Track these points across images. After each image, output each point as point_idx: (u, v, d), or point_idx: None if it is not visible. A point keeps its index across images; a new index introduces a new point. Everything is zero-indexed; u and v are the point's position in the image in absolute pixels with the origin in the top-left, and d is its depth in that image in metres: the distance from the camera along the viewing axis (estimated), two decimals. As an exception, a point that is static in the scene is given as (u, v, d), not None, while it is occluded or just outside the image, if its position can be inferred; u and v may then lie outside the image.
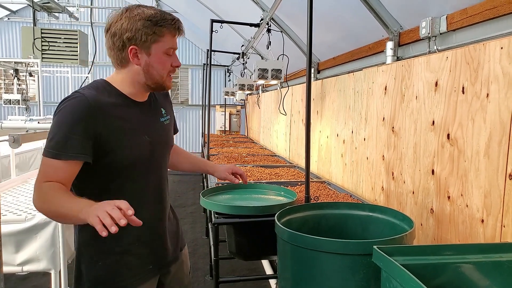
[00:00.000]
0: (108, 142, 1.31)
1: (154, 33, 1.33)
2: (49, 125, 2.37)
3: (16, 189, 3.20)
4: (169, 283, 1.58)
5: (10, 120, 3.02)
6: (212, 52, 4.46)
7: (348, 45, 3.37)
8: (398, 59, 2.61)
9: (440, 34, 2.15)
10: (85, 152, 1.28)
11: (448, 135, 1.89)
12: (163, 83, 1.42)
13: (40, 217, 2.31)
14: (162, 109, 1.54)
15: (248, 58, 5.34)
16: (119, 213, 1.05)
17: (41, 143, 5.66)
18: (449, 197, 1.89)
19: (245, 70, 5.51)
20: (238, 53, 5.36)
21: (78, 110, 1.28)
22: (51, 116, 4.03)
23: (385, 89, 2.57)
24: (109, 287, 1.38)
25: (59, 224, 2.30)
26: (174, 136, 1.69)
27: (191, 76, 10.75)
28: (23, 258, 2.30)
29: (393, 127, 2.45)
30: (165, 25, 1.34)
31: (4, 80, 10.40)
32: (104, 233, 1.03)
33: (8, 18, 10.26)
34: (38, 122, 2.47)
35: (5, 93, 7.82)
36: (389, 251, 1.22)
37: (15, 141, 2.20)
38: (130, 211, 1.07)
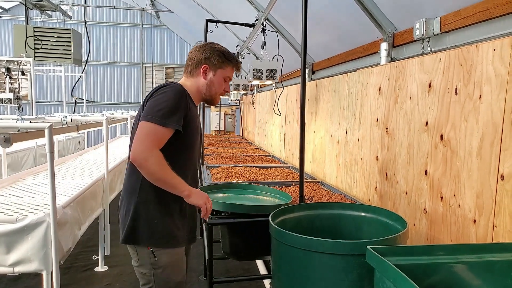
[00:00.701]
0: (187, 122, 1.73)
1: (223, 62, 1.87)
2: (41, 125, 2.35)
3: (8, 189, 3.17)
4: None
5: (1, 119, 2.99)
6: (207, 52, 4.44)
7: (342, 46, 3.38)
8: (392, 60, 2.62)
9: (434, 35, 2.16)
10: (181, 124, 1.69)
11: (441, 136, 1.90)
12: (213, 99, 1.92)
13: (31, 218, 2.28)
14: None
15: (243, 58, 5.34)
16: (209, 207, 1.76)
17: (33, 142, 5.63)
18: (442, 198, 1.90)
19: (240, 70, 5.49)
20: (233, 53, 5.34)
21: (180, 92, 1.72)
22: (44, 116, 4.00)
23: (379, 90, 2.58)
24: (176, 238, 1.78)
25: (51, 225, 2.28)
26: None
27: (185, 76, 10.70)
28: (14, 259, 2.26)
29: (386, 128, 2.46)
30: (232, 61, 1.91)
31: (-4, 79, 10.31)
32: (206, 217, 1.75)
33: (0, 16, 10.18)
34: (30, 122, 2.44)
35: (-3, 92, 7.74)
36: (382, 251, 1.22)
37: (6, 141, 2.17)
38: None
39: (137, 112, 1.82)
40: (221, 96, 1.96)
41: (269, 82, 3.90)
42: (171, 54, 10.66)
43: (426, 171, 2.03)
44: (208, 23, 4.07)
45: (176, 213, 1.78)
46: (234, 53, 5.45)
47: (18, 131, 2.34)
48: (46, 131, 2.28)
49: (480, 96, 1.66)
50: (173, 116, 1.65)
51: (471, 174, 1.71)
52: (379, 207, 1.95)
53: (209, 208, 1.74)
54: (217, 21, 4.16)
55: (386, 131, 2.46)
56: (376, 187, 2.58)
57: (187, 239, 1.86)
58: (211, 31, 4.05)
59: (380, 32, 2.67)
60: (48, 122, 2.39)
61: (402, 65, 2.31)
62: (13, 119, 2.64)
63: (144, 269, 1.74)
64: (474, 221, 1.68)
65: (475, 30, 1.90)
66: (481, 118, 1.65)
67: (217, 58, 1.85)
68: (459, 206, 1.78)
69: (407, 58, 2.34)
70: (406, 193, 2.21)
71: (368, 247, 1.25)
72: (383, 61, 2.65)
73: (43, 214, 2.31)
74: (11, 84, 7.12)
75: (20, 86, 7.32)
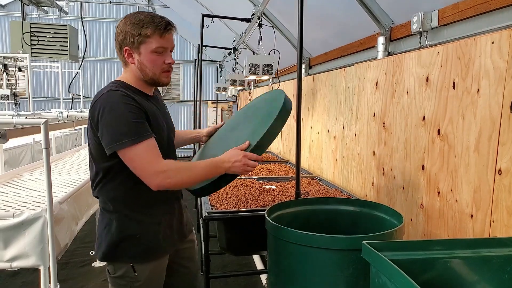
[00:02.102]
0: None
1: (139, 35, 1.48)
2: (37, 120, 2.33)
3: (5, 185, 3.16)
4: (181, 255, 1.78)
5: (-4, 115, 2.98)
6: (204, 47, 4.43)
7: (339, 41, 3.36)
8: (389, 54, 2.60)
9: (432, 29, 2.14)
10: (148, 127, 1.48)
11: (439, 130, 1.89)
12: (158, 80, 1.55)
13: (28, 213, 2.27)
14: (163, 101, 1.74)
15: (239, 54, 5.31)
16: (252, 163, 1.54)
17: (31, 139, 5.61)
18: (439, 193, 1.89)
19: (237, 66, 5.48)
20: (230, 48, 5.33)
21: (121, 99, 1.44)
22: (41, 111, 3.98)
23: (376, 84, 2.56)
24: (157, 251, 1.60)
25: (48, 220, 2.27)
26: None
27: (182, 72, 10.68)
28: (11, 254, 2.26)
29: (383, 123, 2.45)
30: (150, 26, 1.47)
31: (-7, 75, 10.25)
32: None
33: (-4, 12, 10.10)
34: (26, 117, 2.42)
35: (-6, 88, 7.70)
36: (378, 247, 1.21)
37: (2, 136, 2.16)
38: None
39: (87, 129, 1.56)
40: (167, 73, 1.58)
41: (265, 77, 3.87)
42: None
43: (423, 166, 2.01)
44: (204, 18, 4.04)
45: (163, 218, 1.61)
46: (229, 49, 5.45)
47: (14, 126, 2.33)
48: (42, 127, 2.26)
49: (478, 90, 1.64)
50: (138, 123, 1.43)
51: (468, 169, 1.69)
52: (376, 202, 1.93)
53: (252, 167, 1.54)
54: (213, 16, 4.13)
55: (383, 126, 2.45)
56: (373, 182, 2.57)
57: (176, 241, 1.69)
58: (207, 26, 4.03)
59: (377, 26, 2.65)
60: (44, 118, 2.37)
61: (399, 59, 2.29)
62: (9, 115, 2.63)
63: (121, 281, 1.55)
64: (471, 216, 1.67)
65: (473, 23, 1.88)
66: (478, 112, 1.64)
67: (131, 33, 1.48)
68: (456, 201, 1.76)
69: (404, 52, 2.32)
70: (403, 188, 2.20)
71: (364, 242, 1.24)
72: (380, 55, 2.62)
73: (40, 209, 2.31)
74: (8, 81, 7.07)
75: (17, 82, 7.27)
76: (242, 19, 3.97)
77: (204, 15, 4.04)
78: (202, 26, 4.04)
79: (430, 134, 1.95)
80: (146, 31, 1.47)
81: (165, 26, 1.49)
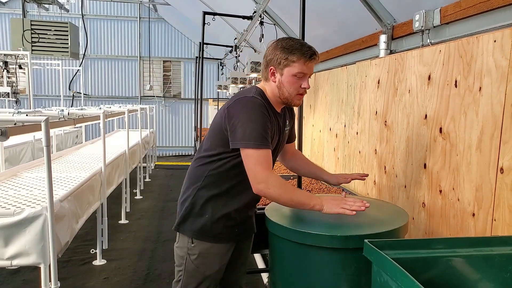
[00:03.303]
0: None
1: (286, 59, 1.63)
2: (37, 118, 2.33)
3: (6, 183, 3.15)
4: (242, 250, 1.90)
5: (-3, 112, 2.97)
6: (205, 45, 4.43)
7: (341, 39, 3.36)
8: (391, 52, 2.59)
9: (434, 27, 2.14)
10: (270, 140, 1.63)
11: (441, 129, 1.88)
12: (291, 100, 1.70)
13: (29, 211, 2.27)
14: (287, 120, 1.85)
15: (241, 51, 5.30)
16: (353, 205, 1.54)
17: (31, 136, 5.60)
18: (440, 191, 1.88)
19: (238, 64, 5.47)
20: (231, 46, 5.31)
21: (260, 107, 1.61)
22: (41, 109, 3.97)
23: (378, 82, 2.55)
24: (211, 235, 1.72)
25: (48, 218, 2.26)
26: (292, 142, 2.05)
27: (183, 69, 10.66)
28: (12, 252, 2.25)
29: (385, 121, 2.44)
30: (297, 53, 1.62)
31: (-6, 72, 10.24)
32: (349, 212, 1.52)
33: (-3, 10, 10.09)
34: (27, 115, 2.42)
35: (-5, 86, 7.70)
36: (380, 245, 1.21)
37: (3, 134, 2.15)
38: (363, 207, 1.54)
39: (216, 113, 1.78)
40: (300, 96, 1.71)
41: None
42: (169, 48, 10.57)
43: (425, 165, 2.01)
44: (206, 15, 4.03)
45: (232, 212, 1.72)
46: (231, 46, 5.43)
47: (15, 124, 2.32)
48: (43, 124, 2.25)
49: (480, 88, 1.64)
50: (266, 133, 1.59)
51: (470, 167, 1.69)
52: (378, 199, 1.93)
53: (350, 209, 1.53)
54: (214, 14, 4.13)
55: (385, 124, 2.44)
56: (374, 181, 2.57)
57: (237, 235, 1.77)
58: (208, 23, 4.02)
59: (379, 24, 2.65)
60: (44, 116, 2.36)
61: (401, 57, 2.29)
62: (9, 113, 2.61)
63: (180, 251, 1.77)
64: (473, 214, 1.67)
65: (476, 22, 1.88)
66: (481, 110, 1.63)
67: (279, 56, 1.64)
68: (458, 199, 1.76)
69: (406, 50, 2.32)
70: (405, 186, 2.20)
71: (366, 240, 1.24)
72: (382, 53, 2.62)
73: (40, 207, 2.30)
74: (9, 78, 7.07)
75: (18, 80, 7.27)
76: (244, 17, 3.96)
77: (205, 13, 4.04)
78: (204, 23, 4.04)
79: (432, 132, 1.95)
80: (293, 57, 1.62)
81: (310, 55, 1.63)
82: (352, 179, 1.95)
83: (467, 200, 1.71)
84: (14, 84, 6.99)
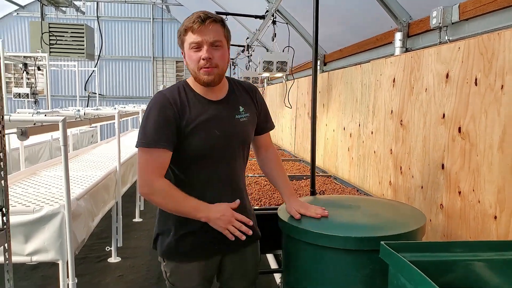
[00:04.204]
0: (191, 129, 1.48)
1: (180, 35, 1.49)
2: (56, 118, 2.37)
3: (25, 181, 3.22)
4: (229, 269, 1.67)
5: (18, 113, 3.03)
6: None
7: (355, 37, 3.31)
8: (407, 50, 2.54)
9: (452, 23, 2.08)
10: (170, 139, 1.45)
11: (460, 128, 1.83)
12: (199, 78, 1.48)
13: (47, 209, 2.32)
14: (240, 107, 1.60)
15: (253, 51, 5.28)
16: (241, 227, 1.46)
17: (49, 136, 5.69)
18: (460, 192, 1.83)
19: (250, 63, 5.46)
20: (243, 46, 5.30)
21: (158, 102, 1.47)
22: (58, 109, 4.02)
23: (394, 81, 2.51)
24: (177, 254, 1.57)
25: (66, 216, 2.30)
26: (272, 133, 1.81)
27: (197, 70, 10.66)
28: (32, 248, 2.31)
29: (401, 120, 2.39)
30: (184, 23, 1.46)
31: (14, 74, 10.44)
32: (231, 236, 1.45)
33: (17, 13, 10.29)
34: (45, 115, 2.45)
35: (15, 87, 7.85)
36: (397, 247, 1.17)
37: (23, 134, 2.20)
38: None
39: None
40: (205, 69, 1.45)
41: (279, 75, 3.84)
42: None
43: (442, 165, 1.96)
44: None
45: (198, 227, 1.51)
46: (243, 46, 5.40)
47: (34, 124, 2.36)
48: (60, 125, 2.31)
49: (502, 86, 1.58)
50: (159, 132, 1.43)
51: (491, 168, 1.64)
52: (393, 200, 1.89)
53: (235, 228, 1.44)
54: (226, 13, 4.11)
55: (401, 124, 2.39)
56: (390, 182, 2.52)
57: (210, 252, 1.58)
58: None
59: (394, 21, 2.60)
60: (62, 116, 2.40)
61: (417, 55, 2.24)
62: (29, 113, 2.67)
63: (162, 267, 1.65)
64: (495, 217, 1.62)
65: (497, 17, 1.82)
66: (503, 109, 1.58)
67: (178, 36, 1.51)
68: (479, 201, 1.71)
69: (423, 48, 2.27)
70: (422, 187, 2.15)
71: (382, 242, 1.21)
72: (397, 51, 2.57)
73: (58, 205, 2.35)
74: (28, 79, 7.19)
75: (37, 81, 7.38)
76: (256, 16, 3.94)
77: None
78: (216, 23, 4.02)
79: (450, 132, 1.90)
80: (182, 29, 1.47)
81: (195, 20, 1.43)
82: (304, 214, 1.59)
83: (488, 202, 1.65)
84: (33, 85, 7.12)
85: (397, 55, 2.52)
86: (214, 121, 1.51)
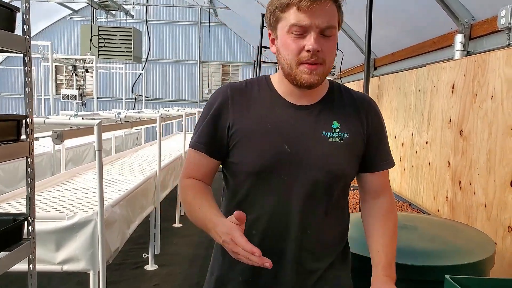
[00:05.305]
0: (237, 138, 1.09)
1: (275, 9, 1.03)
2: (91, 122, 2.32)
3: (65, 184, 3.22)
4: None
5: (55, 115, 3.05)
6: (263, 49, 4.31)
7: (408, 40, 3.09)
8: (468, 53, 2.32)
9: (524, 24, 1.85)
10: (203, 140, 1.12)
11: (534, 142, 1.61)
12: (295, 76, 1.04)
13: (81, 215, 2.25)
14: (335, 121, 1.10)
15: (299, 55, 5.13)
16: (243, 253, 0.90)
17: (90, 139, 5.81)
18: (532, 215, 1.60)
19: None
20: None
21: (216, 94, 1.14)
22: (100, 112, 4.07)
23: (453, 87, 2.29)
24: None
25: (99, 224, 2.24)
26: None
27: (241, 73, 10.67)
28: (63, 257, 2.24)
29: (461, 130, 2.17)
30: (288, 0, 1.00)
31: (65, 76, 10.88)
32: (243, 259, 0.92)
33: (71, 17, 10.72)
34: (83, 118, 2.43)
35: (65, 88, 8.17)
36: (466, 284, 0.99)
37: (58, 137, 2.17)
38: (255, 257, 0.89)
39: None
40: (308, 65, 1.02)
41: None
42: (228, 52, 10.66)
43: (511, 183, 1.73)
44: (264, 18, 3.92)
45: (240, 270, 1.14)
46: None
47: (71, 127, 2.33)
48: (95, 128, 2.25)
49: None
50: (202, 133, 1.13)
51: None
52: (451, 219, 1.69)
53: (236, 248, 0.92)
54: (273, 16, 4.00)
55: (461, 134, 2.17)
56: (447, 197, 2.29)
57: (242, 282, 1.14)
58: (266, 26, 3.90)
59: (454, 22, 2.38)
60: (98, 119, 2.36)
61: (482, 59, 2.02)
62: (67, 115, 2.66)
63: None
64: None
65: None
66: None
67: (271, 11, 1.05)
68: (556, 226, 1.48)
69: (488, 51, 2.04)
70: (485, 205, 1.92)
71: (447, 276, 1.03)
72: (457, 55, 2.36)
73: (92, 212, 2.28)
74: (78, 81, 7.45)
75: (85, 83, 7.63)
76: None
77: (264, 15, 3.92)
78: (262, 26, 3.93)
79: (522, 145, 1.67)
80: (282, 4, 1.02)
81: None
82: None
83: None
84: (82, 87, 7.36)
85: (457, 59, 2.31)
86: (283, 132, 1.07)
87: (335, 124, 1.10)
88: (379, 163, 1.17)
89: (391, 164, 1.20)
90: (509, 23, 1.89)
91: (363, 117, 1.15)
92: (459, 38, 2.36)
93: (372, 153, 1.15)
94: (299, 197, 1.07)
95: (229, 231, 0.93)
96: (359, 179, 1.20)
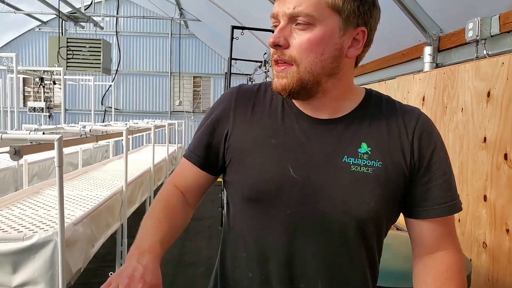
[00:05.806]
0: (233, 149, 0.89)
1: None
2: (51, 137, 2.19)
3: (26, 201, 3.04)
4: None
5: (15, 130, 2.88)
6: (233, 60, 4.26)
7: (378, 51, 3.10)
8: (437, 66, 2.32)
9: (491, 36, 1.86)
10: (200, 152, 0.93)
11: (506, 155, 1.59)
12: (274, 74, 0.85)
13: (40, 235, 2.11)
14: (363, 143, 0.83)
15: (270, 66, 5.12)
16: None
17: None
18: (508, 230, 1.58)
19: (267, 79, 5.28)
20: (260, 61, 5.15)
21: (216, 102, 0.97)
22: (64, 125, 3.88)
23: (423, 99, 2.28)
24: None
25: (59, 244, 2.10)
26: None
27: (213, 85, 10.60)
28: (20, 280, 2.09)
29: (432, 143, 2.16)
30: None
31: (33, 88, 10.53)
32: None
33: (39, 29, 10.45)
34: (43, 133, 2.29)
35: (33, 100, 7.89)
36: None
37: (16, 153, 2.04)
38: None
39: None
40: (275, 66, 0.84)
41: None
42: (199, 63, 10.59)
43: (485, 197, 1.71)
44: (234, 30, 3.87)
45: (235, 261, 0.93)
46: (260, 62, 5.26)
47: (31, 143, 2.20)
48: (56, 144, 2.11)
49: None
50: (197, 141, 0.95)
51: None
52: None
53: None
54: (243, 28, 3.96)
55: (432, 147, 2.16)
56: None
57: None
58: (237, 38, 3.85)
59: (423, 35, 2.39)
60: (59, 134, 2.23)
61: (451, 71, 2.01)
62: (27, 130, 2.51)
63: None
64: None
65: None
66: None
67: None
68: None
69: (456, 64, 2.04)
70: (459, 220, 1.89)
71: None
72: (426, 67, 2.36)
73: (52, 232, 2.15)
74: (45, 94, 7.22)
75: (53, 95, 7.40)
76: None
77: (234, 27, 3.88)
78: (232, 38, 3.88)
79: (494, 159, 1.65)
80: None
81: None
82: None
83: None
84: (49, 99, 7.12)
85: (426, 71, 2.31)
86: (290, 151, 0.84)
87: (364, 148, 0.83)
88: (431, 207, 0.83)
89: (454, 208, 0.85)
90: (477, 36, 1.90)
91: (410, 141, 0.84)
92: (427, 50, 2.37)
93: (420, 192, 0.84)
94: (307, 239, 0.83)
95: (140, 275, 0.72)
96: (407, 225, 0.90)
